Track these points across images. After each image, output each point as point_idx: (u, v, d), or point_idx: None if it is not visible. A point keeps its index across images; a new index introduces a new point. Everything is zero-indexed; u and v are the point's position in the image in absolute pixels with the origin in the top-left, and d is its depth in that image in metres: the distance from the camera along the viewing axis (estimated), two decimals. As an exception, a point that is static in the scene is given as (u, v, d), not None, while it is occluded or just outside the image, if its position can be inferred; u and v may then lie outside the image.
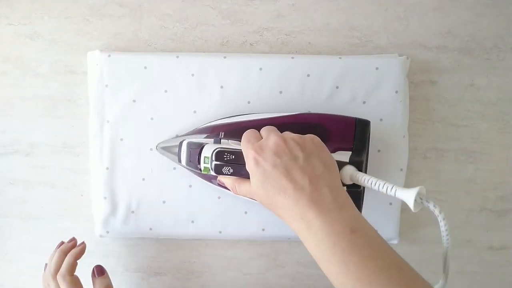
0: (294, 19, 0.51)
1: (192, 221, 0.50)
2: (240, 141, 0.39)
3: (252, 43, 0.52)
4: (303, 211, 0.31)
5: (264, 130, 0.38)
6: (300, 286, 0.54)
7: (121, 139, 0.50)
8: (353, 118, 0.43)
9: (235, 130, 0.43)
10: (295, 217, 0.32)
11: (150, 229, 0.50)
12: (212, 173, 0.41)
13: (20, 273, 0.55)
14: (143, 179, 0.50)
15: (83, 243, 0.49)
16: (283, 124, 0.42)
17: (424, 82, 0.52)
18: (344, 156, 0.41)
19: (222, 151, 0.40)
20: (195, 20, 0.51)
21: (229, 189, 0.41)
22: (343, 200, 0.33)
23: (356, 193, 0.41)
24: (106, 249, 0.54)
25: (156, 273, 0.54)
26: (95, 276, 0.48)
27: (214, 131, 0.45)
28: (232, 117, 0.46)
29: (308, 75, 0.49)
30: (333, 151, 0.40)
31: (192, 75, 0.49)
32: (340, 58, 0.49)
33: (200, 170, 0.42)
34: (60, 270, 0.47)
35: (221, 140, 0.43)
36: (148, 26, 0.51)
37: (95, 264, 0.49)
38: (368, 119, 0.44)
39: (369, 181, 0.37)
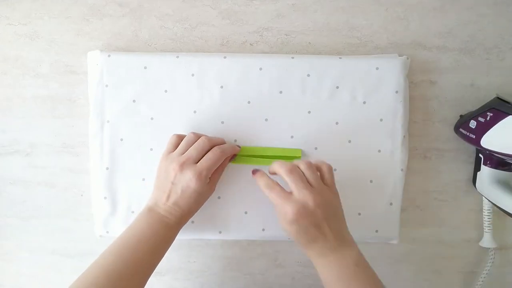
0: (294, 19, 0.51)
1: (192, 221, 0.50)
2: None
3: (252, 43, 0.52)
4: (325, 252, 0.41)
5: (291, 178, 0.42)
6: (300, 286, 0.54)
7: (121, 139, 0.50)
8: None
9: None
10: (316, 255, 0.42)
11: (150, 229, 0.50)
12: None
13: (20, 273, 0.55)
14: (143, 179, 0.50)
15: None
16: None
17: (424, 82, 0.52)
18: None
19: None
20: (195, 20, 0.51)
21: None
22: (348, 238, 0.43)
23: None
24: (106, 249, 0.54)
25: (156, 273, 0.54)
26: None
27: None
28: None
29: (308, 75, 0.49)
30: None
31: (192, 75, 0.49)
32: (340, 58, 0.49)
33: None
34: (201, 161, 0.44)
35: None
36: (148, 26, 0.51)
37: None
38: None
39: None
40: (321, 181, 0.43)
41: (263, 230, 0.50)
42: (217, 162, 0.45)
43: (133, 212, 0.50)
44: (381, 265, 0.53)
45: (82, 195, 0.53)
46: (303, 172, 0.43)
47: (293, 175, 0.42)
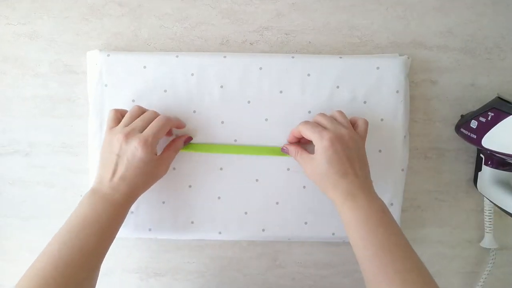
0: (294, 19, 0.51)
1: (192, 222, 0.50)
2: None
3: (252, 43, 0.51)
4: (355, 192, 0.41)
5: (323, 120, 0.45)
6: (300, 286, 0.54)
7: (121, 139, 0.50)
8: None
9: None
10: (344, 195, 0.42)
11: (150, 229, 0.50)
12: None
13: (20, 273, 0.55)
14: (143, 179, 0.50)
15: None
16: None
17: (424, 82, 0.51)
18: None
19: None
20: (195, 20, 0.51)
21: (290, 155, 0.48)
22: (373, 190, 0.43)
23: None
24: (106, 249, 0.54)
25: (156, 274, 0.54)
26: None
27: None
28: None
29: (309, 75, 0.48)
30: None
31: (192, 74, 0.49)
32: (340, 57, 0.49)
33: None
34: (146, 129, 0.43)
35: None
36: (147, 25, 0.51)
37: None
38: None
39: None
40: (352, 128, 0.45)
41: (263, 230, 0.50)
42: (163, 128, 0.44)
43: (132, 212, 0.50)
44: (381, 265, 0.53)
45: (81, 195, 0.53)
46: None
47: (326, 117, 0.45)
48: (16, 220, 0.54)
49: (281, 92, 0.49)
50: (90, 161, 0.50)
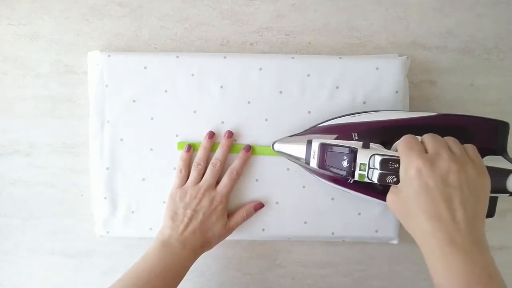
0: (294, 19, 0.51)
1: (192, 221, 0.50)
2: (381, 144, 0.38)
3: (252, 43, 0.52)
4: (446, 243, 0.32)
5: (431, 141, 0.36)
6: (300, 286, 0.54)
7: (121, 139, 0.50)
8: (494, 120, 0.42)
9: (371, 131, 0.41)
10: (436, 245, 0.33)
11: (150, 229, 0.50)
12: (370, 180, 0.39)
13: (20, 273, 0.55)
14: (143, 179, 0.50)
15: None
16: (425, 125, 0.40)
17: (424, 82, 0.52)
18: (503, 163, 0.39)
19: (387, 159, 0.38)
20: (195, 20, 0.51)
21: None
22: (485, 245, 0.33)
23: (494, 198, 0.41)
24: (106, 249, 0.54)
25: (156, 273, 0.54)
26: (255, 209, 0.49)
27: (344, 132, 0.43)
28: (357, 115, 0.45)
29: (308, 75, 0.49)
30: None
31: (192, 75, 0.49)
32: (340, 58, 0.49)
33: (352, 177, 0.40)
34: (231, 167, 0.48)
35: (369, 144, 0.40)
36: (148, 26, 0.51)
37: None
38: (508, 121, 0.42)
39: None
40: (466, 154, 0.36)
41: (263, 230, 0.50)
42: (234, 184, 0.48)
43: (133, 212, 0.50)
44: (381, 265, 0.53)
45: (82, 195, 0.53)
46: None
47: (435, 139, 0.36)
48: (16, 220, 0.54)
49: (281, 92, 0.49)
50: (90, 161, 0.51)
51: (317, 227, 0.50)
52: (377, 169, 0.38)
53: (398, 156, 0.37)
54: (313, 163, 0.43)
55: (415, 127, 0.39)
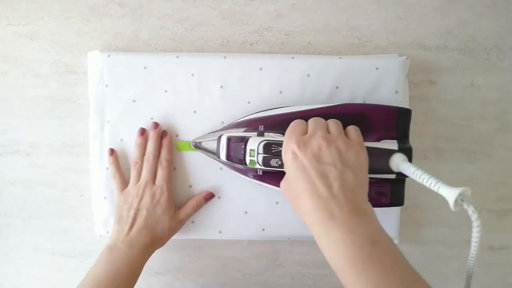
0: (294, 19, 0.51)
1: (192, 221, 0.50)
2: (284, 134, 0.39)
3: (252, 43, 0.52)
4: (327, 219, 0.33)
5: (311, 123, 0.38)
6: (300, 286, 0.54)
7: (121, 139, 0.50)
8: (394, 107, 0.44)
9: (275, 123, 0.43)
10: (317, 222, 0.33)
11: (150, 229, 0.50)
12: (258, 166, 0.41)
13: (20, 273, 0.55)
14: (143, 179, 0.50)
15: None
16: (329, 115, 0.41)
17: (424, 82, 0.52)
18: (391, 144, 0.41)
19: (269, 143, 0.40)
20: (195, 20, 0.51)
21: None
22: (367, 214, 0.34)
23: (399, 181, 0.42)
24: (106, 249, 0.54)
25: (156, 273, 0.54)
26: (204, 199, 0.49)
27: (252, 125, 0.45)
28: (270, 110, 0.46)
29: (308, 75, 0.49)
30: (377, 140, 0.41)
31: (192, 75, 0.49)
32: (340, 58, 0.49)
33: (245, 163, 0.42)
34: (161, 158, 0.47)
35: (264, 133, 0.43)
36: (148, 26, 0.51)
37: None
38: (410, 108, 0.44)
39: (414, 173, 0.37)
40: (344, 134, 0.37)
41: (263, 230, 0.50)
42: (170, 173, 0.48)
43: (133, 212, 0.50)
44: (381, 265, 0.53)
45: (82, 195, 0.53)
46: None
47: (316, 122, 0.38)
48: (16, 220, 0.54)
49: (281, 92, 0.49)
50: (90, 161, 0.51)
51: (317, 227, 0.50)
52: (261, 153, 0.40)
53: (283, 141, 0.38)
54: (222, 156, 0.44)
55: (320, 117, 0.40)
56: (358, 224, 0.32)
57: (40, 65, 0.52)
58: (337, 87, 0.49)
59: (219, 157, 0.45)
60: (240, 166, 0.44)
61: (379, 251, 0.31)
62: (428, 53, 0.51)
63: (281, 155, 0.39)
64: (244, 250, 0.54)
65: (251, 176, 0.46)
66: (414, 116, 0.51)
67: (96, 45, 0.52)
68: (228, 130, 0.46)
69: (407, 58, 0.49)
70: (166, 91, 0.49)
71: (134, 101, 0.49)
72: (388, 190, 0.43)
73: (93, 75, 0.50)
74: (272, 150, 0.40)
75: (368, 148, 0.38)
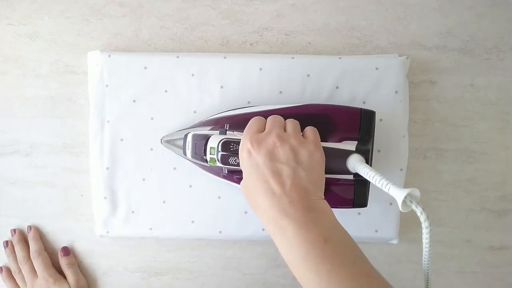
0: (294, 19, 0.51)
1: (192, 221, 0.50)
2: None
3: (252, 43, 0.52)
4: (280, 216, 0.32)
5: (269, 122, 0.38)
6: (300, 286, 0.54)
7: (121, 139, 0.50)
8: (358, 108, 0.43)
9: (240, 122, 0.43)
10: (271, 220, 0.33)
11: (150, 229, 0.50)
12: (219, 164, 0.41)
13: (20, 273, 0.55)
14: (143, 179, 0.50)
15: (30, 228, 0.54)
16: (290, 115, 0.42)
17: (424, 82, 0.52)
18: (351, 145, 0.41)
19: (228, 141, 0.41)
20: (195, 20, 0.51)
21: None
22: (321, 211, 0.34)
23: (362, 182, 0.42)
24: (106, 249, 0.54)
25: (156, 273, 0.54)
26: (61, 256, 0.53)
27: (219, 123, 0.45)
28: (237, 109, 0.46)
29: (308, 75, 0.49)
30: (339, 140, 0.41)
31: (192, 75, 0.49)
32: (340, 58, 0.49)
33: (206, 161, 0.42)
34: (31, 252, 0.52)
35: (227, 131, 0.43)
36: (148, 26, 0.51)
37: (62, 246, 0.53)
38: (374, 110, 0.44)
39: (368, 174, 0.37)
40: (300, 133, 0.38)
41: (263, 230, 0.50)
42: (42, 260, 0.51)
43: (133, 212, 0.50)
44: (381, 265, 0.53)
45: (82, 195, 0.53)
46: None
47: (272, 121, 0.38)
48: (16, 220, 0.54)
49: (281, 92, 0.49)
50: (90, 161, 0.51)
51: (317, 227, 0.50)
52: (220, 151, 0.40)
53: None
54: (188, 153, 0.45)
55: (283, 117, 0.40)
56: (312, 221, 0.32)
57: (40, 65, 0.52)
58: (337, 87, 0.49)
59: (185, 155, 0.45)
60: (206, 164, 0.44)
61: (332, 247, 0.31)
62: (428, 53, 0.51)
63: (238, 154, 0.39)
64: (244, 250, 0.54)
65: (221, 176, 0.46)
66: (414, 116, 0.52)
67: (96, 45, 0.52)
68: (195, 128, 0.46)
69: (407, 58, 0.49)
70: (166, 91, 0.49)
71: (134, 101, 0.49)
72: (351, 191, 0.43)
73: (93, 75, 0.50)
74: (231, 148, 0.40)
75: (325, 148, 0.38)
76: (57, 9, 0.51)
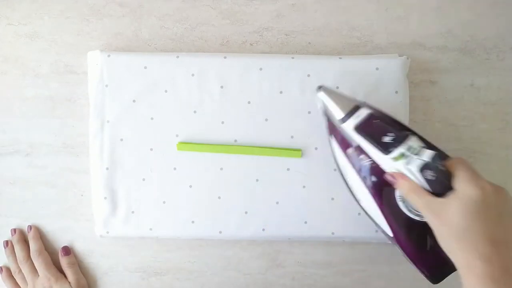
0: (294, 19, 0.51)
1: (192, 221, 0.50)
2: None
3: (252, 43, 0.52)
4: (500, 276, 0.29)
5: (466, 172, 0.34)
6: (300, 286, 0.54)
7: (121, 139, 0.50)
8: None
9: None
10: (485, 274, 0.30)
11: (150, 229, 0.50)
12: (411, 167, 0.36)
13: (20, 273, 0.55)
14: (143, 179, 0.50)
15: (30, 228, 0.54)
16: None
17: (424, 82, 0.52)
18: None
19: (441, 156, 0.37)
20: (195, 20, 0.51)
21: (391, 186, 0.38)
22: None
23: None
24: (106, 249, 0.54)
25: (156, 273, 0.54)
26: (61, 255, 0.53)
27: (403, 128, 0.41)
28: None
29: (308, 75, 0.49)
30: None
31: (192, 75, 0.49)
32: (340, 58, 0.49)
33: (387, 151, 0.38)
34: (31, 251, 0.52)
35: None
36: (148, 26, 0.51)
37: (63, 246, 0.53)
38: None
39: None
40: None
41: (263, 229, 0.50)
42: (42, 260, 0.51)
43: (133, 212, 0.50)
44: (381, 265, 0.53)
45: (82, 195, 0.53)
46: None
47: (462, 164, 0.34)
48: (16, 220, 0.54)
49: (281, 92, 0.49)
50: (90, 161, 0.51)
51: (317, 227, 0.50)
52: (424, 160, 0.36)
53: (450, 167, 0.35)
54: (350, 123, 0.40)
55: None
56: None
57: (40, 65, 0.52)
58: (337, 87, 0.49)
59: (343, 121, 0.41)
60: (374, 148, 0.39)
61: None
62: (428, 53, 0.51)
63: (441, 174, 0.35)
64: (244, 250, 0.54)
65: (364, 167, 0.41)
66: (414, 116, 0.52)
67: (96, 45, 0.52)
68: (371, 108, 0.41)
69: (407, 58, 0.49)
70: (166, 91, 0.49)
71: (134, 101, 0.49)
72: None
73: (93, 75, 0.50)
74: (437, 166, 0.35)
75: None
76: (57, 9, 0.51)
